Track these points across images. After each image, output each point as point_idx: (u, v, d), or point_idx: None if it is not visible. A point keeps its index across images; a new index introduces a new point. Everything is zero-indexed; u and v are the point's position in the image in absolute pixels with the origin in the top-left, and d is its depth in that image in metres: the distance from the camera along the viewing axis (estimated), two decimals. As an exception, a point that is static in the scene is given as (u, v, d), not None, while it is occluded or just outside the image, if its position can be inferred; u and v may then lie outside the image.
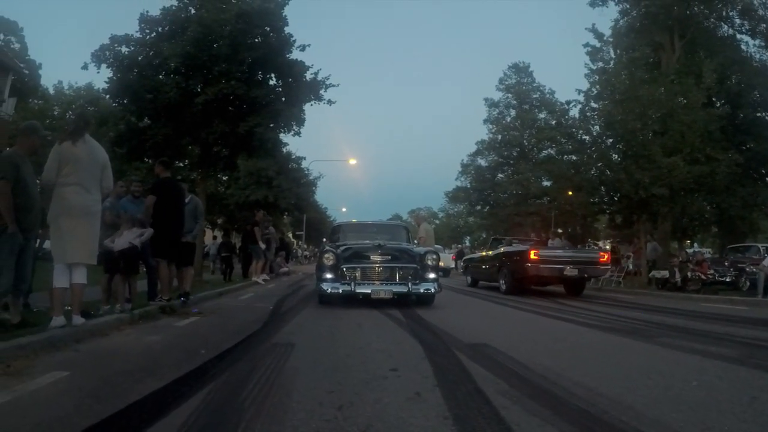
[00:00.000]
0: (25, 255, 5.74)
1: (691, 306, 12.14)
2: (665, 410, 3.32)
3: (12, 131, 26.01)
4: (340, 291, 9.72)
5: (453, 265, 31.86)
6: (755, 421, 3.16)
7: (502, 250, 16.86)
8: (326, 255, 10.16)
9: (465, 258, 23.60)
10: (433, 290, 9.99)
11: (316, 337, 6.27)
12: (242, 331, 6.49)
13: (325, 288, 9.79)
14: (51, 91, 42.68)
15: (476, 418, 3.09)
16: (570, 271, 14.34)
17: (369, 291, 9.66)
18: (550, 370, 4.44)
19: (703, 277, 16.38)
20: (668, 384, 4.04)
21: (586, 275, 14.96)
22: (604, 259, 15.82)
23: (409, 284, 9.82)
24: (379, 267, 10.01)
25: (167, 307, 8.13)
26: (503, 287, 15.25)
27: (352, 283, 9.71)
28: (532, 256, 14.36)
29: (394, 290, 9.72)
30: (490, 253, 18.04)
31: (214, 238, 33.72)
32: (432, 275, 10.11)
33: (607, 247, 36.29)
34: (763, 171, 25.79)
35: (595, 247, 18.74)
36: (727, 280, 17.47)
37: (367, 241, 10.97)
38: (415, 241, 12.57)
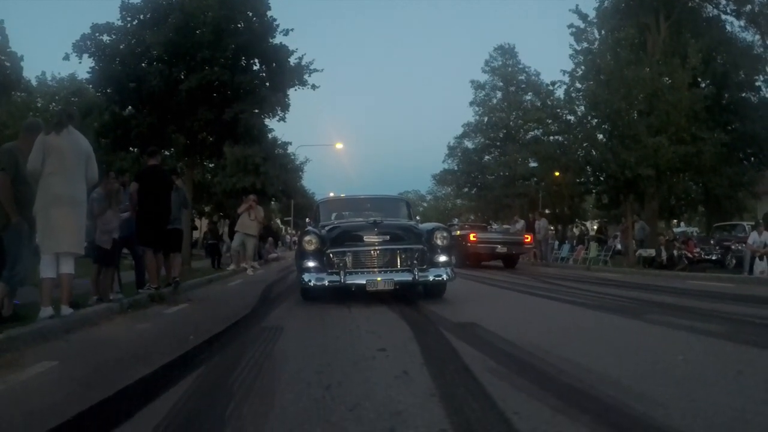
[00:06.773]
0: None
1: (679, 284, 12.22)
2: (652, 384, 3.35)
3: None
4: (326, 283, 7.63)
5: None
6: (741, 393, 3.19)
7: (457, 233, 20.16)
8: (307, 238, 8.03)
9: None
10: (445, 277, 7.91)
11: (306, 321, 6.31)
12: (231, 317, 6.50)
13: (307, 279, 7.73)
14: (34, 82, 41.85)
15: (463, 395, 3.13)
16: (500, 249, 18.77)
17: (363, 282, 7.53)
18: (538, 347, 4.47)
19: (689, 255, 16.58)
20: (655, 359, 4.08)
21: (513, 252, 19.25)
22: (528, 240, 20.50)
23: (415, 270, 7.65)
24: (375, 250, 7.86)
25: (156, 295, 8.12)
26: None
27: (342, 272, 7.54)
28: (471, 238, 18.62)
29: (396, 279, 7.60)
30: None
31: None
32: (443, 258, 8.03)
33: (595, 227, 36.77)
34: (749, 151, 25.88)
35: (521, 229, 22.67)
36: (713, 258, 17.76)
37: (360, 219, 8.91)
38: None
